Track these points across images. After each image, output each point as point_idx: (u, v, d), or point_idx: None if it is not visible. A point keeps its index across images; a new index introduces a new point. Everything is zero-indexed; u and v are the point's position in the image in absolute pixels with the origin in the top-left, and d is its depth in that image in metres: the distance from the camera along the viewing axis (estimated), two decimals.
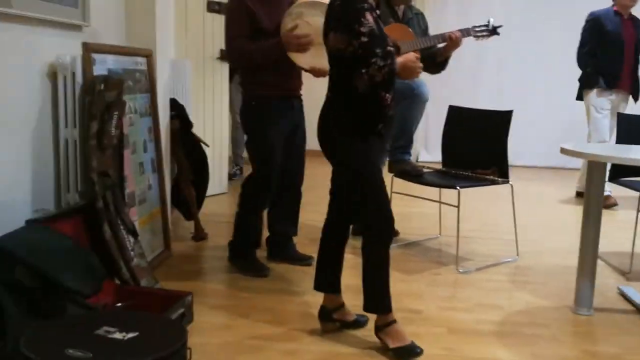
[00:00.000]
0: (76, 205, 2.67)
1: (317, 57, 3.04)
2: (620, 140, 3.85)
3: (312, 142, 3.32)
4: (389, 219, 2.42)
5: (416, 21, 3.84)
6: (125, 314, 2.20)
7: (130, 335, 1.88)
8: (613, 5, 5.20)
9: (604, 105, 5.21)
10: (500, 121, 3.67)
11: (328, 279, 2.62)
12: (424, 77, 3.32)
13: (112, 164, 2.75)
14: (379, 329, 2.46)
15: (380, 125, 2.39)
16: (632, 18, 5.21)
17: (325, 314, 2.63)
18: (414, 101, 3.85)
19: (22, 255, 2.14)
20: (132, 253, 2.69)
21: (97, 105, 2.67)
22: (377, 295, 2.43)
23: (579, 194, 5.68)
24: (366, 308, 2.46)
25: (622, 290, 3.25)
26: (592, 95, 5.26)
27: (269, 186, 3.21)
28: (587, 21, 5.27)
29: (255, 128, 3.22)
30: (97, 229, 2.58)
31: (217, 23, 4.93)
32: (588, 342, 2.64)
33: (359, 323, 2.66)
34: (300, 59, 3.10)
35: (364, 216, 2.43)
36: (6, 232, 2.27)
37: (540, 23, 7.22)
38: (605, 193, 5.46)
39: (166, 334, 1.93)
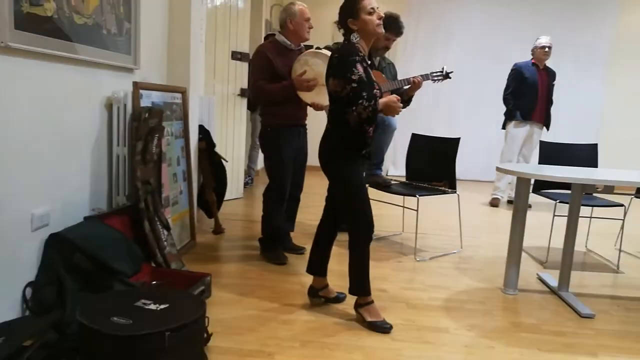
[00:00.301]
0: (124, 205, 2.66)
1: (318, 94, 3.10)
2: (542, 161, 3.86)
3: (310, 159, 3.32)
4: (370, 223, 2.39)
5: (388, 69, 3.85)
6: (159, 289, 2.17)
7: (162, 306, 1.87)
8: (532, 59, 5.33)
9: (518, 134, 5.36)
10: (450, 145, 3.67)
11: (318, 265, 2.60)
12: None
13: (152, 174, 2.74)
14: (359, 306, 2.42)
15: (365, 151, 2.38)
16: (546, 68, 5.38)
17: (313, 292, 2.61)
18: (385, 129, 3.86)
19: (80, 244, 2.13)
20: (165, 243, 2.67)
21: (142, 129, 2.66)
22: (361, 281, 2.39)
23: (509, 202, 5.69)
24: (352, 291, 2.41)
25: (540, 276, 3.25)
26: (511, 125, 5.39)
27: (283, 193, 3.20)
28: (512, 70, 5.44)
29: (272, 149, 3.20)
30: (139, 224, 2.57)
31: (239, 68, 4.92)
32: (513, 315, 2.63)
33: (339, 299, 2.64)
34: (306, 96, 3.13)
35: (351, 220, 2.39)
36: (69, 225, 2.26)
37: (482, 71, 7.25)
38: (495, 196, 5.55)
39: (190, 306, 1.91)
